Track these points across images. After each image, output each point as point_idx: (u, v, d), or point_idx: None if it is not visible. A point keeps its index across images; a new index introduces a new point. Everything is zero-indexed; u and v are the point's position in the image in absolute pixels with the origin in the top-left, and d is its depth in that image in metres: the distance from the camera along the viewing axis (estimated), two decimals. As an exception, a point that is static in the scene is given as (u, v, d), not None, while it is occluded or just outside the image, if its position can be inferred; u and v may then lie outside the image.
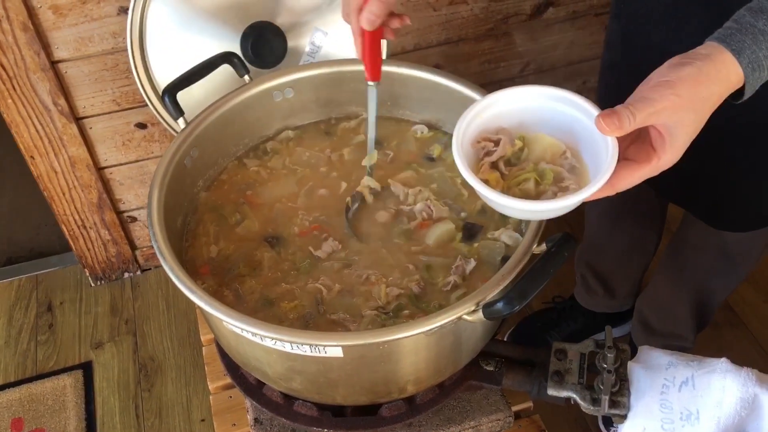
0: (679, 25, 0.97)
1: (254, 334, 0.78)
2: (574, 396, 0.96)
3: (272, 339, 0.77)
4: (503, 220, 0.99)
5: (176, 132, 0.99)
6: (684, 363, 0.96)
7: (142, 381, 1.66)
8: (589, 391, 0.96)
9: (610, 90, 1.21)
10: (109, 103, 1.54)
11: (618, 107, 0.67)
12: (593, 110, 0.72)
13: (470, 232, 0.98)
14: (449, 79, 1.06)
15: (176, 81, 1.00)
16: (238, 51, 1.22)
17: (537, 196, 0.75)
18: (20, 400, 1.62)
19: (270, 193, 1.05)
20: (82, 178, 1.63)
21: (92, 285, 1.86)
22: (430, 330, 0.77)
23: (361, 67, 1.09)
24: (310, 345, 0.77)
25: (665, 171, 1.15)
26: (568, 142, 0.77)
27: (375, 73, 0.98)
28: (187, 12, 1.20)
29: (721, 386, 0.89)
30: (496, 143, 0.77)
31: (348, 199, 1.02)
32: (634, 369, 0.98)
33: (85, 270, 1.83)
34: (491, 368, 1.03)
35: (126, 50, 1.28)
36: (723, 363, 0.90)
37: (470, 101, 1.02)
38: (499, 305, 0.76)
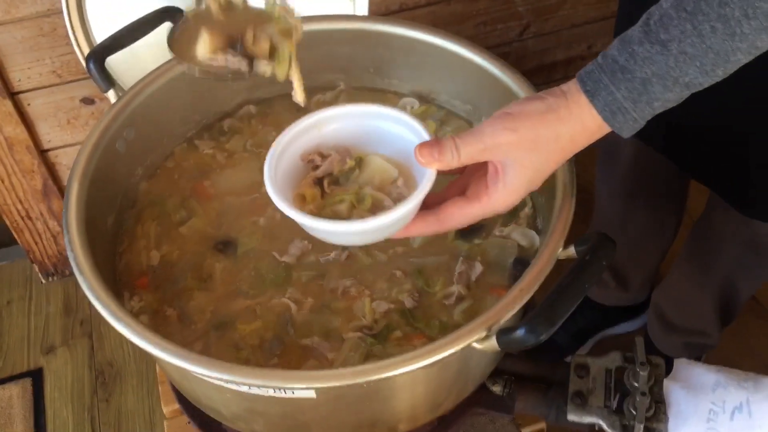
0: None
1: (200, 374, 0.59)
2: (600, 422, 0.81)
3: (223, 380, 0.59)
4: (512, 214, 0.81)
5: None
6: (735, 383, 0.81)
7: (99, 390, 1.50)
8: (618, 416, 0.82)
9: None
10: (48, 74, 1.34)
11: (443, 138, 0.61)
12: (425, 137, 0.65)
13: (468, 230, 0.80)
14: (445, 38, 0.87)
15: (103, 43, 0.80)
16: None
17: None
18: (-40, 415, 1.45)
19: (227, 182, 0.86)
20: (22, 162, 1.43)
21: (43, 281, 1.68)
22: (430, 364, 0.59)
23: (339, 25, 0.91)
24: (273, 387, 0.59)
25: (692, 143, 1.00)
26: (407, 169, 0.68)
27: None
28: (133, -36, 1.00)
29: (784, 415, 0.74)
30: (326, 158, 0.68)
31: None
32: (673, 389, 0.83)
33: (34, 265, 1.64)
34: (498, 389, 0.87)
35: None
36: (787, 386, 0.75)
37: (471, 66, 0.86)
38: (520, 333, 0.58)
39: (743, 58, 0.54)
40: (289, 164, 0.67)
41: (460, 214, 0.63)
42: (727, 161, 0.98)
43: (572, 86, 0.59)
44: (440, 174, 0.63)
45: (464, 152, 0.60)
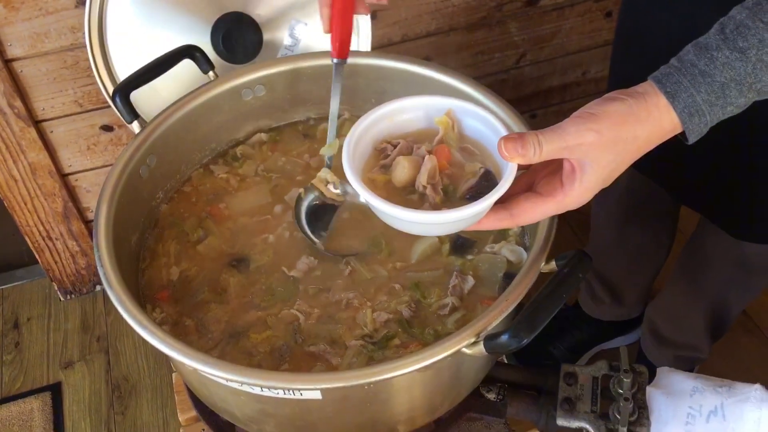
0: (692, 9, 0.86)
1: (217, 377, 0.66)
2: (587, 426, 0.86)
3: (237, 382, 0.66)
4: (502, 232, 0.87)
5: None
6: (711, 389, 0.86)
7: (116, 403, 1.55)
8: (604, 420, 0.86)
9: (620, 79, 1.11)
10: (70, 104, 1.42)
11: (527, 133, 0.61)
12: (502, 131, 0.65)
13: (461, 247, 0.86)
14: (440, 71, 0.94)
15: (128, 79, 0.88)
16: (208, 45, 1.11)
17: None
18: (-18, 427, 1.50)
19: (240, 204, 0.93)
20: (44, 185, 1.51)
21: (62, 299, 1.75)
22: (424, 367, 0.66)
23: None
24: (283, 388, 0.65)
25: (682, 172, 1.05)
26: (487, 162, 0.68)
27: (343, 49, 0.86)
28: (152, 3, 1.08)
29: (755, 417, 0.80)
30: (395, 147, 0.69)
31: (300, 190, 0.89)
32: (654, 395, 0.88)
33: (54, 284, 1.71)
34: (493, 396, 0.92)
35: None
36: (757, 390, 0.81)
37: (464, 96, 0.92)
38: (504, 338, 0.65)
39: None
40: (363, 152, 0.68)
41: (534, 210, 0.63)
42: (716, 189, 1.03)
43: (648, 88, 0.60)
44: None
45: (546, 149, 0.59)
